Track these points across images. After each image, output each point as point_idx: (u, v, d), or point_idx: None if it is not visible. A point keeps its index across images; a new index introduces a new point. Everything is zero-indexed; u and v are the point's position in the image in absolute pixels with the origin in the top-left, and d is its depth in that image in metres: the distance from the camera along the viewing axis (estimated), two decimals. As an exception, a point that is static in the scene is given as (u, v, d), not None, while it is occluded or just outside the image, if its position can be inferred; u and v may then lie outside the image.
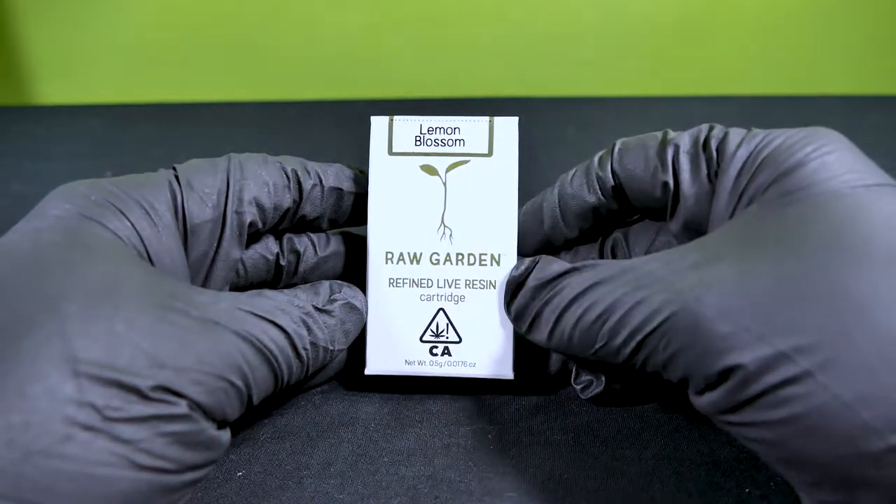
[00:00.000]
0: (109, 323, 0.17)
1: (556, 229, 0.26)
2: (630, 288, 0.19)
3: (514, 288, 0.23)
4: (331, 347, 0.23)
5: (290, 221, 0.25)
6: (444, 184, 0.25)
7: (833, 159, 0.20)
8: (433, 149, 0.25)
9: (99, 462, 0.15)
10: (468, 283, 0.25)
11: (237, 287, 0.25)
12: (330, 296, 0.24)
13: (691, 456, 0.23)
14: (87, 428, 0.15)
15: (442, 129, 0.25)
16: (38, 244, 0.19)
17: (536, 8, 0.61)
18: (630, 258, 0.25)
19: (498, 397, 0.26)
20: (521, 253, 0.25)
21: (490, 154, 0.25)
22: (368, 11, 0.60)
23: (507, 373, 0.25)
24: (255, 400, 0.20)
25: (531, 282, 0.23)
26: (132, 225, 0.21)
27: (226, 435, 0.19)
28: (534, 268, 0.23)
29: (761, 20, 0.62)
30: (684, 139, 0.23)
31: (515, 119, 0.25)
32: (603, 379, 0.24)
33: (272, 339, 0.20)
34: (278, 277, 0.26)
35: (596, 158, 0.25)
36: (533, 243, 0.26)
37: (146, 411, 0.16)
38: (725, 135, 0.22)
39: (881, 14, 0.62)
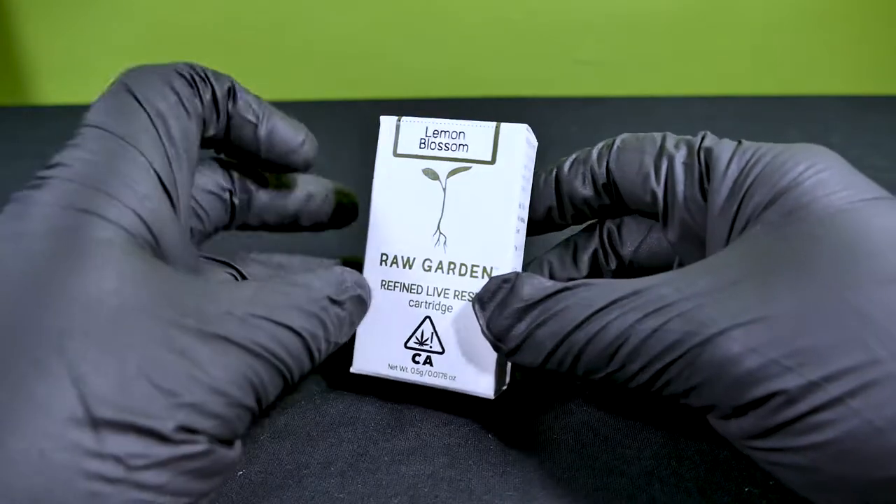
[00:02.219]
0: (121, 361, 0.16)
1: (548, 214, 0.25)
2: (642, 314, 0.19)
3: (489, 306, 0.22)
4: (339, 342, 0.22)
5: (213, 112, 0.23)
6: (444, 189, 0.24)
7: (828, 176, 0.20)
8: (436, 152, 0.25)
9: None
10: (457, 293, 0.24)
11: (201, 234, 0.25)
12: (343, 284, 0.22)
13: (691, 455, 0.23)
14: (112, 481, 0.15)
15: (447, 133, 0.25)
16: (29, 260, 0.17)
17: (537, 8, 0.61)
18: (620, 253, 0.26)
19: (499, 397, 0.26)
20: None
21: (493, 162, 0.24)
22: (369, 11, 0.60)
23: (487, 391, 0.24)
24: (265, 408, 0.19)
25: (515, 301, 0.21)
26: (124, 205, 0.18)
27: (238, 448, 0.19)
28: (513, 285, 0.22)
29: (761, 20, 0.62)
30: (681, 150, 0.23)
31: (523, 126, 0.24)
32: None
33: (286, 347, 0.19)
34: (232, 216, 0.26)
35: (595, 151, 0.24)
36: (532, 224, 0.26)
37: (169, 454, 0.16)
38: (711, 149, 0.22)
39: (881, 14, 0.62)
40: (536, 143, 0.25)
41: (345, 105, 0.60)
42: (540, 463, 0.23)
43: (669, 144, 0.23)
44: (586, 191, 0.25)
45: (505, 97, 0.60)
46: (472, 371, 0.24)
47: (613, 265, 0.26)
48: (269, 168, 0.26)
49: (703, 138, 0.23)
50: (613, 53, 0.62)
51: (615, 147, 0.24)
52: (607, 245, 0.26)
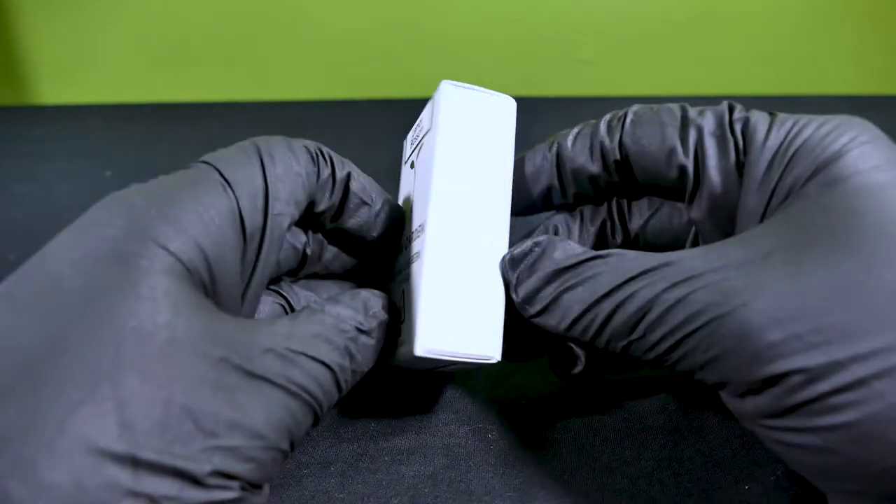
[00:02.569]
0: (168, 398, 0.16)
1: (550, 192, 0.24)
2: (670, 283, 0.18)
3: (520, 266, 0.22)
4: (364, 370, 0.21)
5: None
6: (415, 172, 0.25)
7: (871, 149, 0.19)
8: (413, 144, 0.25)
9: None
10: (412, 258, 0.23)
11: (269, 279, 0.24)
12: (370, 311, 0.22)
13: (691, 455, 0.23)
14: None
15: (417, 122, 0.25)
16: (90, 283, 0.17)
17: (537, 8, 0.61)
18: (628, 227, 0.25)
19: (497, 397, 0.26)
20: (511, 213, 0.24)
21: (430, 128, 0.23)
22: (368, 11, 0.60)
23: (422, 344, 0.21)
24: (295, 448, 0.19)
25: (548, 265, 0.21)
26: (194, 241, 0.19)
27: (264, 494, 0.18)
28: (544, 249, 0.21)
29: (762, 20, 0.62)
30: (708, 120, 0.21)
31: (445, 83, 0.23)
32: (583, 358, 0.23)
33: (319, 383, 0.19)
34: (302, 265, 0.25)
35: (603, 124, 0.23)
36: (523, 203, 0.25)
37: (201, 498, 0.16)
38: (748, 119, 0.21)
39: (881, 14, 0.62)
40: (498, 103, 0.24)
41: (345, 105, 0.60)
42: (540, 463, 0.23)
43: (693, 115, 0.22)
44: (594, 167, 0.23)
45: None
46: (413, 330, 0.22)
47: (619, 239, 0.25)
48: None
49: (730, 108, 0.22)
50: (613, 53, 0.62)
51: (629, 120, 0.22)
52: (616, 218, 0.25)
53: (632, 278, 0.19)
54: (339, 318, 0.21)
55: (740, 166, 0.21)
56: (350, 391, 0.26)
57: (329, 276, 0.27)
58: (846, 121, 0.20)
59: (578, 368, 0.23)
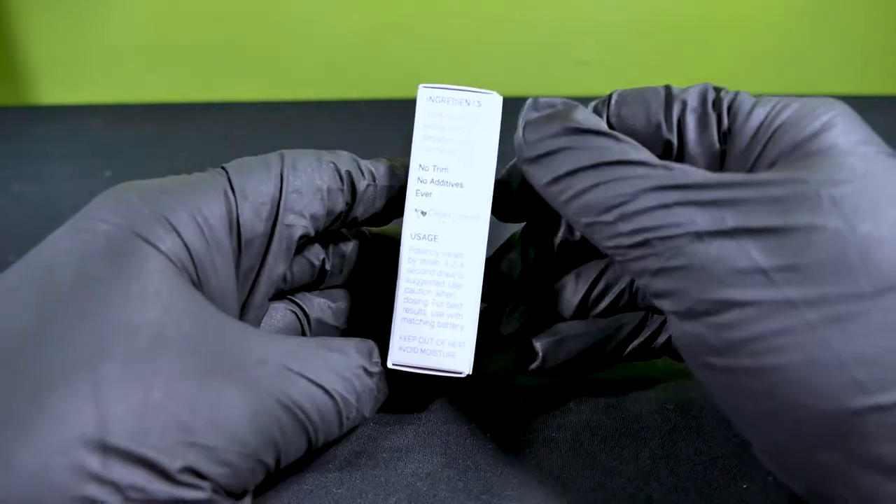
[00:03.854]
0: (147, 389, 0.16)
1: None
2: (657, 183, 0.18)
3: (538, 112, 0.21)
4: (365, 415, 0.22)
5: (341, 223, 0.24)
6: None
7: (851, 126, 0.19)
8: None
9: None
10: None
11: (282, 291, 0.24)
12: (374, 358, 0.22)
13: (688, 454, 0.23)
14: None
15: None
16: (82, 277, 0.17)
17: (536, 8, 0.61)
18: None
19: (497, 397, 0.26)
20: (499, 218, 0.25)
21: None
22: (369, 11, 0.60)
23: (393, 357, 0.23)
24: (282, 466, 0.19)
25: (564, 121, 0.20)
26: (185, 244, 0.19)
27: (245, 502, 0.18)
28: (570, 108, 0.21)
29: (761, 20, 0.62)
30: (692, 96, 0.22)
31: (421, 86, 0.23)
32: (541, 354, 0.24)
33: (318, 407, 0.19)
34: (321, 279, 0.25)
35: (590, 109, 0.23)
36: (511, 203, 0.25)
37: (168, 494, 0.16)
38: (736, 95, 0.21)
39: (881, 14, 0.62)
40: (482, 101, 0.24)
41: (345, 105, 0.60)
42: (538, 462, 0.23)
43: (676, 92, 0.22)
44: None
45: (505, 97, 0.60)
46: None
47: None
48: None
49: (714, 88, 0.22)
50: (613, 53, 0.62)
51: (613, 102, 0.23)
52: None
53: (628, 162, 0.19)
54: (347, 353, 0.21)
55: (723, 141, 0.21)
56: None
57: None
58: (826, 101, 0.20)
59: (535, 364, 0.24)
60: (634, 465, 0.22)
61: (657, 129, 0.22)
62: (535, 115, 0.21)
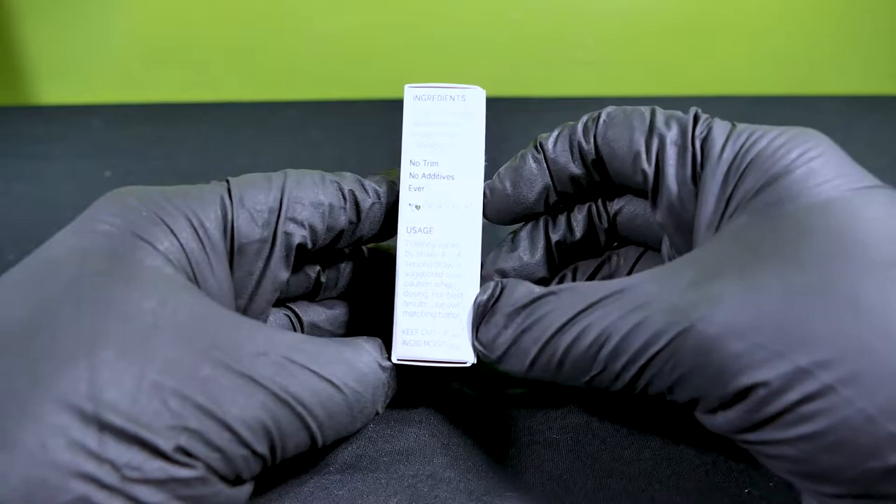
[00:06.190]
0: (140, 373, 0.16)
1: (546, 194, 0.24)
2: (625, 311, 0.18)
3: (481, 314, 0.22)
4: (380, 411, 0.21)
5: (346, 241, 0.24)
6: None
7: (820, 164, 0.19)
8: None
9: None
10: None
11: (277, 300, 0.24)
12: (384, 355, 0.22)
13: (690, 456, 0.23)
14: (105, 487, 0.15)
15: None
16: (83, 270, 0.18)
17: (536, 8, 0.61)
18: (614, 212, 0.25)
19: (497, 396, 0.26)
20: (498, 222, 0.25)
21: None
22: (368, 11, 0.60)
23: (397, 353, 0.23)
24: (280, 459, 0.19)
25: (503, 307, 0.21)
26: (181, 245, 0.20)
27: (244, 490, 0.18)
28: (502, 291, 0.21)
29: (761, 20, 0.62)
30: (672, 130, 0.22)
31: (407, 86, 0.24)
32: None
33: (322, 401, 0.19)
34: (316, 291, 0.25)
35: (580, 126, 0.23)
36: (509, 211, 0.25)
37: (164, 473, 0.16)
38: (709, 131, 0.21)
39: (882, 14, 0.62)
40: (467, 96, 0.24)
41: (344, 105, 0.60)
42: (539, 463, 0.23)
43: (660, 122, 0.22)
44: (576, 168, 0.23)
45: (505, 97, 0.60)
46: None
47: (606, 224, 0.25)
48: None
49: (695, 118, 0.22)
50: (613, 53, 0.62)
51: (601, 122, 0.23)
52: (600, 203, 0.25)
53: (583, 310, 0.19)
54: (360, 347, 0.21)
55: (697, 177, 0.21)
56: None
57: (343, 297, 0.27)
58: (799, 133, 0.20)
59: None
60: (636, 466, 0.22)
61: (636, 157, 0.22)
62: (478, 319, 0.22)
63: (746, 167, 0.20)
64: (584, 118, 0.24)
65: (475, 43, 0.62)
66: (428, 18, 0.61)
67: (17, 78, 0.61)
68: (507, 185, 0.24)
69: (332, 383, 0.19)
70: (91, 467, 0.15)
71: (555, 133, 0.24)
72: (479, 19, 0.61)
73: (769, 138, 0.20)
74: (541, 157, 0.24)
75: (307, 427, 0.19)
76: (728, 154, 0.20)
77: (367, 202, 0.23)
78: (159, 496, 0.16)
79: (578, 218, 0.26)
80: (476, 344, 0.22)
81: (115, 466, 0.15)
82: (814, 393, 0.16)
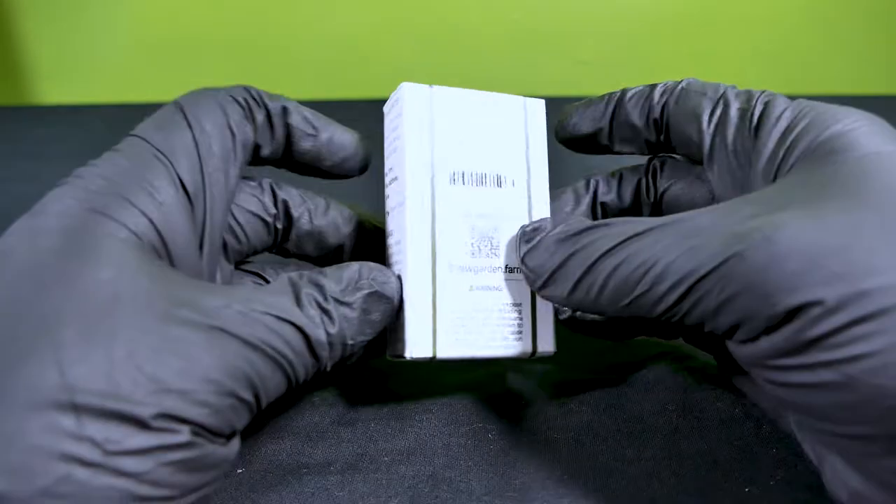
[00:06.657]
0: (108, 347, 0.16)
1: (596, 133, 0.27)
2: (679, 237, 0.18)
3: (525, 240, 0.22)
4: (350, 342, 0.21)
5: (270, 143, 0.24)
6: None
7: (878, 126, 0.20)
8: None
9: (101, 498, 0.15)
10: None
11: (240, 253, 0.25)
12: (356, 282, 0.21)
13: (691, 455, 0.23)
14: (87, 464, 0.15)
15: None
16: (36, 252, 0.18)
17: (537, 8, 0.61)
18: (658, 187, 0.26)
19: (497, 396, 0.26)
20: (560, 141, 0.28)
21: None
22: (369, 11, 0.60)
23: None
24: (265, 404, 0.19)
25: (554, 235, 0.22)
26: (140, 210, 0.19)
27: (233, 445, 0.19)
28: (553, 224, 0.22)
29: (761, 20, 0.62)
30: (740, 97, 0.23)
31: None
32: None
33: (287, 341, 0.19)
34: (276, 241, 0.26)
35: (659, 87, 0.25)
36: (577, 139, 0.27)
37: (148, 442, 0.16)
38: (772, 98, 0.23)
39: (882, 14, 0.62)
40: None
41: (345, 105, 0.60)
42: (540, 463, 0.23)
43: (731, 93, 0.24)
44: (639, 120, 0.25)
45: (505, 97, 0.60)
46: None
47: (652, 199, 0.27)
48: (331, 177, 0.26)
49: (763, 92, 0.23)
50: (613, 53, 0.62)
51: (679, 87, 0.25)
52: (650, 178, 0.27)
53: (633, 235, 0.19)
54: (317, 283, 0.21)
55: (754, 140, 0.22)
56: (349, 391, 0.26)
57: (305, 257, 0.27)
58: (852, 109, 0.21)
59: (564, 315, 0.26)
60: (636, 465, 0.22)
61: (698, 118, 0.24)
62: (526, 246, 0.22)
63: (803, 128, 0.21)
64: (667, 82, 0.25)
65: (475, 43, 0.62)
66: (428, 18, 0.61)
67: (17, 78, 0.61)
68: (575, 112, 0.27)
69: (293, 324, 0.19)
70: (71, 447, 0.15)
71: (636, 89, 0.26)
72: (479, 19, 0.61)
73: (826, 107, 0.21)
74: (614, 99, 0.26)
75: (281, 367, 0.19)
76: (786, 117, 0.22)
77: (260, 113, 0.24)
78: (146, 464, 0.16)
79: (627, 189, 0.27)
80: (523, 268, 0.23)
81: (95, 443, 0.15)
82: (870, 314, 0.15)
